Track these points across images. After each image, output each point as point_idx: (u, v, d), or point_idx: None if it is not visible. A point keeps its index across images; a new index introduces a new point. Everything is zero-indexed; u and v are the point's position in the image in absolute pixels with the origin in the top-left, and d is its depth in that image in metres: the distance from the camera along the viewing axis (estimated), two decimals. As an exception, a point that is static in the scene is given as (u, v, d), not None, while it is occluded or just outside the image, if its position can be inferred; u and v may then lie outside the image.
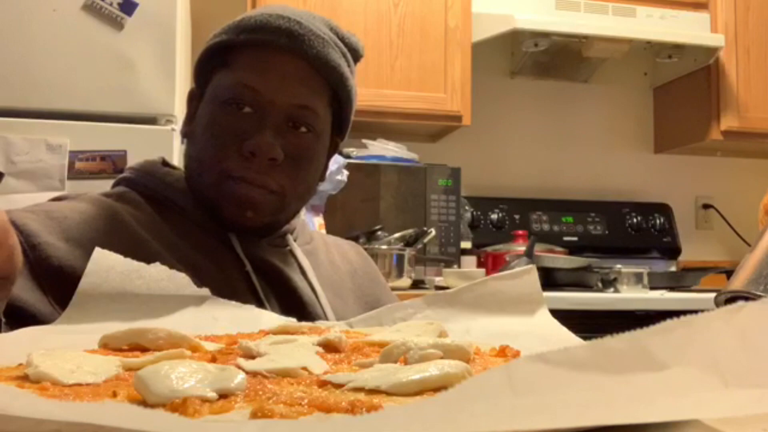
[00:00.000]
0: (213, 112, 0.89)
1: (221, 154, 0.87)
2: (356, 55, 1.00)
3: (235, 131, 0.87)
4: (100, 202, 0.88)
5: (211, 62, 0.92)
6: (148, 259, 0.72)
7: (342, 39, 0.95)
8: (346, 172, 2.08)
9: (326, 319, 0.88)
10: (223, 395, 0.37)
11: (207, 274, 0.84)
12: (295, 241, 0.98)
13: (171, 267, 0.73)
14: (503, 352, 0.54)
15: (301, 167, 0.90)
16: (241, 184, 0.87)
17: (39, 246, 0.78)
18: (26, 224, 0.79)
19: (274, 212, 0.91)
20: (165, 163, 0.98)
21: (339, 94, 0.94)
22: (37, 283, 0.76)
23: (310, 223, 2.01)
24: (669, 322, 0.30)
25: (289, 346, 0.53)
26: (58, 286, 0.75)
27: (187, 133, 0.95)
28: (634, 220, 2.82)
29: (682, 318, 0.30)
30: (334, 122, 0.96)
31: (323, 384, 0.42)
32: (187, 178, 0.93)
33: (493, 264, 2.40)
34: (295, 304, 0.89)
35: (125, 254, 0.70)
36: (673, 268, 2.82)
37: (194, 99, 0.96)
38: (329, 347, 0.54)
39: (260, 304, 0.85)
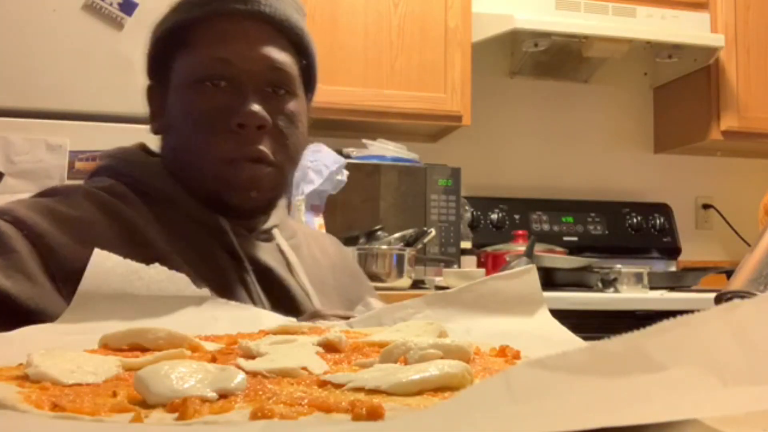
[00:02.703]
0: (187, 97, 0.86)
1: (210, 137, 0.84)
2: (303, 11, 0.96)
3: (218, 109, 0.83)
4: (100, 200, 0.84)
5: (167, 48, 0.88)
6: (157, 260, 0.70)
7: None
8: (346, 172, 2.08)
9: None
10: (223, 395, 0.37)
11: (201, 271, 0.81)
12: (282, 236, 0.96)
13: (176, 267, 0.71)
14: (503, 352, 0.54)
15: (289, 131, 0.88)
16: (240, 166, 0.84)
17: (55, 249, 0.75)
18: (37, 224, 0.76)
19: (275, 187, 0.89)
20: (144, 150, 0.94)
21: (302, 49, 0.91)
22: (56, 288, 0.73)
23: (310, 222, 2.01)
24: (666, 323, 0.30)
25: (289, 346, 0.53)
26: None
27: (159, 129, 0.91)
28: (634, 220, 2.82)
29: (679, 318, 0.30)
30: (305, 82, 0.94)
31: (323, 384, 0.42)
32: (173, 172, 0.88)
33: (493, 264, 2.40)
34: (287, 303, 0.87)
35: (135, 256, 0.68)
36: (673, 268, 2.82)
37: (156, 93, 0.92)
38: (329, 347, 0.54)
39: (253, 303, 0.83)
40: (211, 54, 0.85)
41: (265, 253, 0.91)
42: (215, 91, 0.84)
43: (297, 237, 1.00)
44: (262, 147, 0.84)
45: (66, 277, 0.73)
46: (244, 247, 0.88)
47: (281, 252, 0.94)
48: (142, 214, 0.84)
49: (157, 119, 0.92)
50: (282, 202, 0.98)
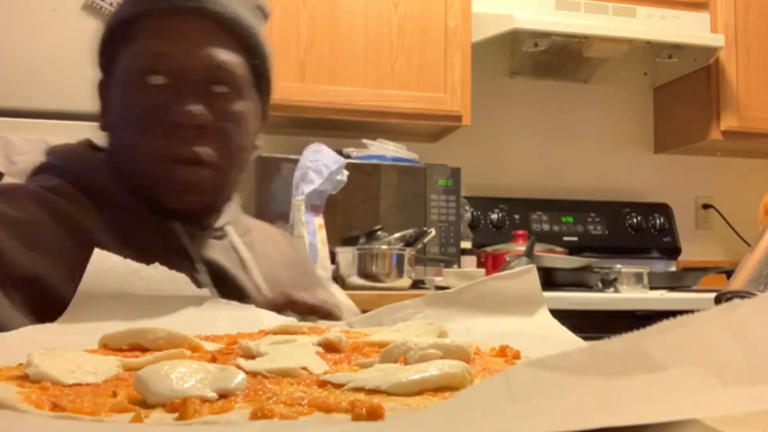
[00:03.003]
0: (126, 92, 0.84)
1: (146, 135, 0.82)
2: (264, 13, 0.94)
3: (155, 106, 0.81)
4: (46, 201, 0.81)
5: (113, 43, 0.87)
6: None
7: None
8: (346, 172, 2.08)
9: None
10: (223, 395, 0.38)
11: None
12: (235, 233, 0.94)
13: None
14: (503, 352, 0.54)
15: (234, 132, 0.85)
16: (175, 167, 0.81)
17: (3, 254, 0.72)
18: None
19: (215, 189, 0.86)
20: (91, 146, 0.92)
21: (253, 49, 0.88)
22: (4, 293, 0.71)
23: (310, 222, 2.01)
24: (666, 322, 0.30)
25: (289, 346, 0.54)
26: (27, 295, 0.71)
27: (106, 125, 0.89)
28: (634, 220, 2.82)
29: (679, 318, 0.30)
30: (257, 83, 0.91)
31: (323, 384, 0.42)
32: (117, 171, 0.86)
33: (493, 264, 2.40)
34: (240, 302, 0.83)
35: (83, 258, 0.66)
36: (673, 268, 2.82)
37: (104, 87, 0.90)
38: (329, 347, 0.54)
39: None
40: (151, 49, 0.83)
41: (218, 251, 0.89)
42: (153, 88, 0.82)
43: (251, 234, 0.98)
44: (198, 148, 0.82)
45: (14, 283, 0.72)
46: (195, 247, 0.86)
47: (235, 249, 0.92)
48: (90, 215, 0.82)
49: (103, 116, 0.90)
50: (235, 198, 0.96)
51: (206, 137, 0.82)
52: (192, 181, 0.83)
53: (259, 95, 0.92)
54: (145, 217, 0.85)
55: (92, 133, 0.94)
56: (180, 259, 0.84)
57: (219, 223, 0.92)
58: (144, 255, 0.78)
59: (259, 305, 0.80)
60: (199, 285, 0.83)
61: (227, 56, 0.85)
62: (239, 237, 0.94)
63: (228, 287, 0.86)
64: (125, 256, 0.75)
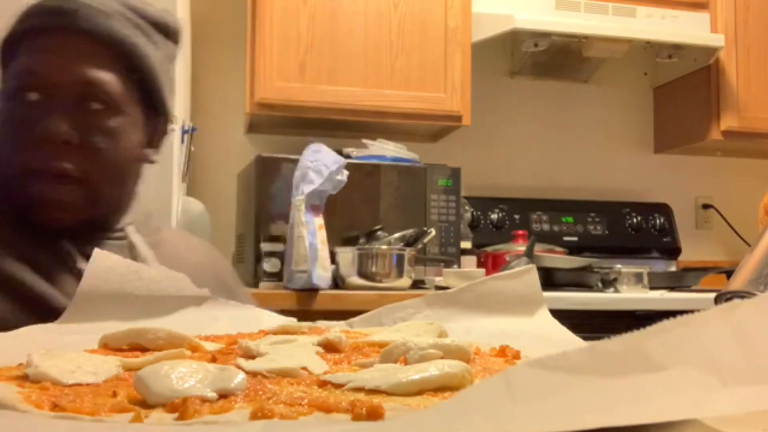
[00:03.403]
0: (5, 107, 0.87)
1: (15, 149, 0.84)
2: (163, 29, 0.95)
3: (25, 121, 0.83)
4: None
5: (3, 59, 0.90)
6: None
7: (136, 11, 0.91)
8: (346, 172, 2.08)
9: None
10: (223, 395, 0.38)
11: (35, 287, 0.79)
12: (138, 232, 0.94)
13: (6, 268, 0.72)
14: (503, 352, 0.54)
15: (108, 148, 0.86)
16: (42, 182, 0.83)
17: None
18: None
19: (89, 205, 0.86)
20: None
21: (136, 66, 0.90)
22: None
23: (310, 222, 2.01)
24: (666, 322, 0.30)
25: (289, 346, 0.54)
26: None
27: None
28: (634, 220, 2.82)
29: (679, 318, 0.30)
30: (145, 99, 0.92)
31: (323, 384, 0.42)
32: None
33: (493, 264, 2.40)
34: None
35: None
36: (673, 268, 2.82)
37: None
38: (329, 347, 0.54)
39: None
40: (23, 67, 0.86)
41: (110, 251, 0.89)
42: (26, 103, 0.84)
43: (159, 235, 0.99)
44: (63, 164, 0.83)
45: None
46: (82, 249, 0.86)
47: (133, 248, 0.92)
48: None
49: None
50: (138, 201, 0.97)
51: (73, 153, 0.84)
52: (56, 197, 0.84)
53: (146, 109, 0.93)
54: (31, 231, 0.85)
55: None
56: (63, 262, 0.85)
57: (118, 225, 0.93)
58: (38, 268, 0.80)
59: None
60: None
61: (100, 73, 0.87)
62: (144, 236, 0.95)
63: None
64: (19, 272, 0.78)
